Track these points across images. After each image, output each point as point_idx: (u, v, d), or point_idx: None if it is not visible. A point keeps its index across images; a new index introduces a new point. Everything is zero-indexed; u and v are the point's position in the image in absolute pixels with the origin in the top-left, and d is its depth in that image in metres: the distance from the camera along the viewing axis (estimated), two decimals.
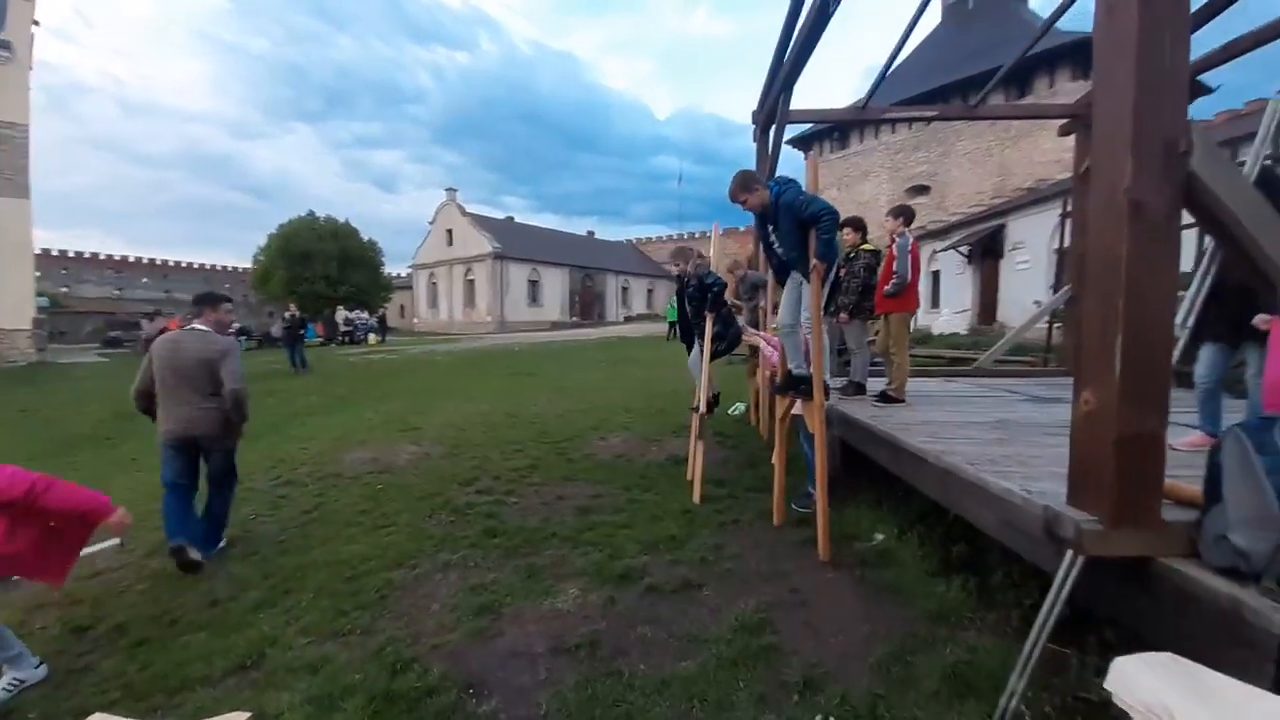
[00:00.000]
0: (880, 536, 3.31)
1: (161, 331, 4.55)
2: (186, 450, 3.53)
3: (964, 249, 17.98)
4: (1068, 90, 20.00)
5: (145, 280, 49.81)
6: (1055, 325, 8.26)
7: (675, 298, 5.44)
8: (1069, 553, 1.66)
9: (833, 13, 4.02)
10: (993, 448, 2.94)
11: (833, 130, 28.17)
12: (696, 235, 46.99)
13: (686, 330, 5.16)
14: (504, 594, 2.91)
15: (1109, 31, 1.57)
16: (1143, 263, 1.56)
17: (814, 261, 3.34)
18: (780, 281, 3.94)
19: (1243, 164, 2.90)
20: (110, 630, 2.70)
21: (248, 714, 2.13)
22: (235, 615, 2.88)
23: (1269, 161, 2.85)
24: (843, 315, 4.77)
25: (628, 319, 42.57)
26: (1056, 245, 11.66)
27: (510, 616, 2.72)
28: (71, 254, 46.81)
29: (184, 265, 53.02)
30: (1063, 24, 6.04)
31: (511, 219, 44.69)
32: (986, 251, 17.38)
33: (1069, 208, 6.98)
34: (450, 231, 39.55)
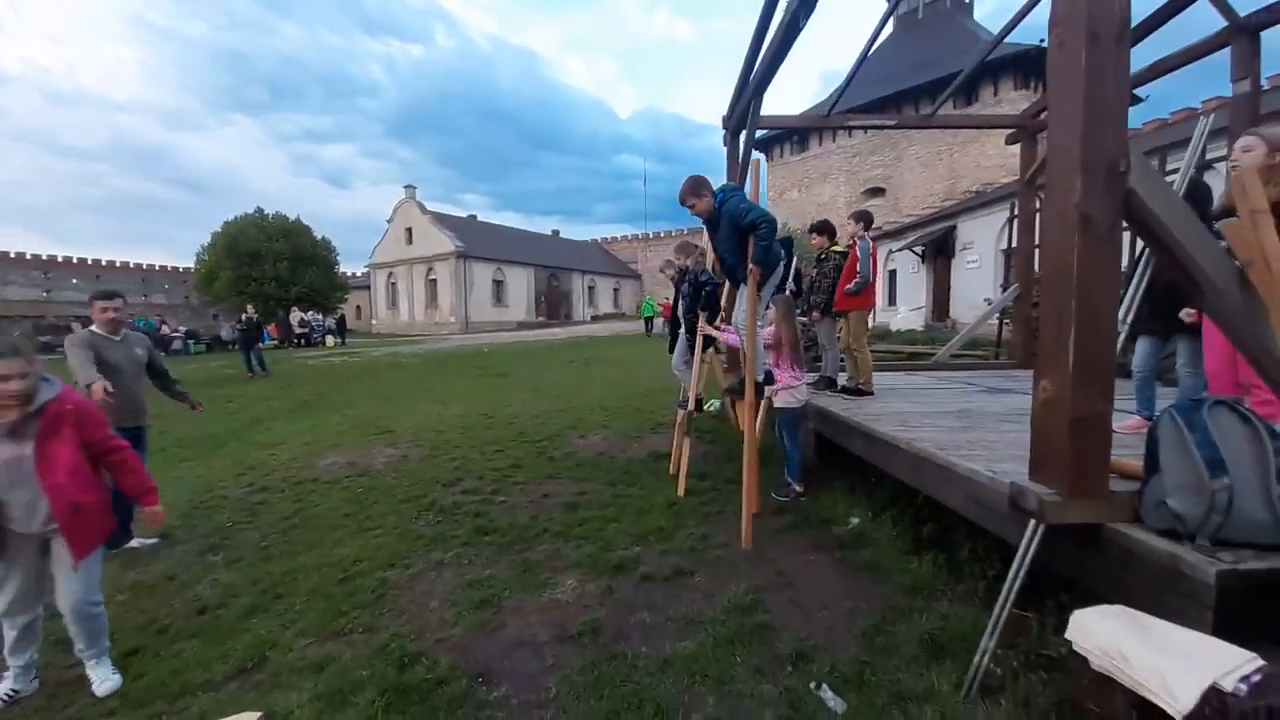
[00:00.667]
0: (856, 520, 3.53)
1: None
2: None
3: (918, 249, 18.79)
4: (1011, 98, 21.18)
5: (75, 281, 46.55)
6: (1005, 321, 8.82)
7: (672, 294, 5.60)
8: (1031, 522, 1.88)
9: (803, 25, 4.20)
10: (957, 434, 3.19)
11: (792, 134, 28.91)
12: (662, 235, 47.30)
13: (677, 325, 5.26)
14: (502, 588, 2.98)
15: (1060, 66, 1.78)
16: (1091, 268, 1.77)
17: (750, 266, 3.52)
18: (734, 284, 4.07)
19: (1172, 171, 3.22)
20: None
21: (257, 714, 2.16)
22: (228, 621, 2.85)
23: (1196, 173, 3.19)
24: (815, 314, 5.01)
25: (595, 318, 42.52)
26: (1004, 246, 12.37)
27: (511, 609, 2.79)
28: None
29: (118, 265, 49.69)
30: (1008, 36, 6.47)
31: (474, 217, 43.87)
32: (939, 251, 18.21)
33: (1016, 211, 7.45)
34: (410, 230, 38.56)
